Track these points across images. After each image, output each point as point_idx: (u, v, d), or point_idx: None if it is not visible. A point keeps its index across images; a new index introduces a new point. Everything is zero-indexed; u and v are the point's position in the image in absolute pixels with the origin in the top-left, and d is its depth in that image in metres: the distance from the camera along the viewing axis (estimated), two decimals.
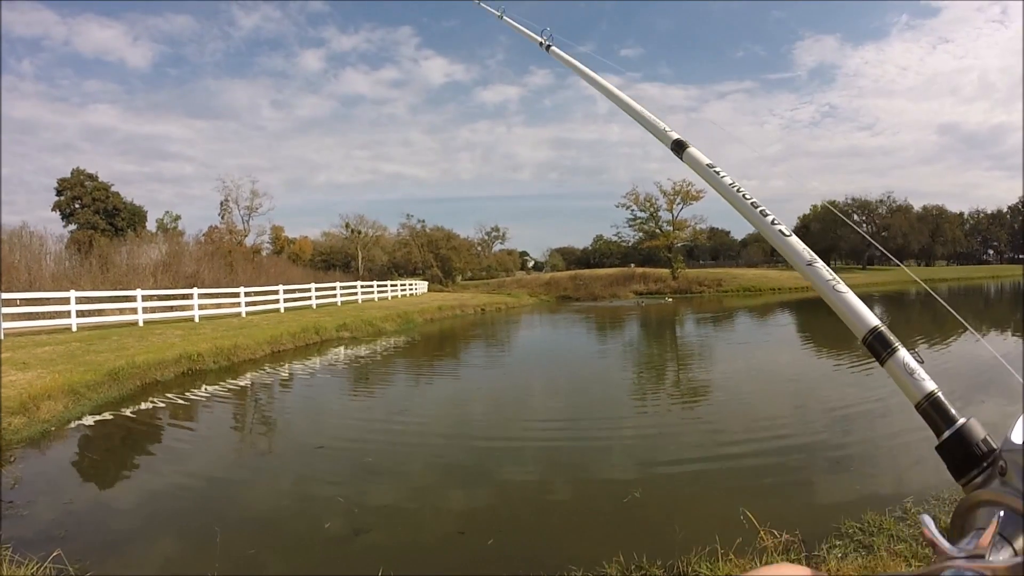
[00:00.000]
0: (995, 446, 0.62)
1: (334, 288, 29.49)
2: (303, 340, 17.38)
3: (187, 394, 10.53)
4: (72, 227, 39.94)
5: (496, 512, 5.22)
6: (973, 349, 11.91)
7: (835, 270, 0.88)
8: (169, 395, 10.39)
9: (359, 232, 62.97)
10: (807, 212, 73.93)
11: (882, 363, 0.77)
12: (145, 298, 18.97)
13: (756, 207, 1.00)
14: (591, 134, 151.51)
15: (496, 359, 16.44)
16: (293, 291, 25.84)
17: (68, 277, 22.90)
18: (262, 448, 7.81)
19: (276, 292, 24.41)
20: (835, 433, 7.16)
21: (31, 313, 16.04)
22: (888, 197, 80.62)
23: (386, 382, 12.52)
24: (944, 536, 0.53)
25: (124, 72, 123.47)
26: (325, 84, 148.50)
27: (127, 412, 9.15)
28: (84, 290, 19.21)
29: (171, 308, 20.47)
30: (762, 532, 3.97)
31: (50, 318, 16.18)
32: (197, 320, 19.45)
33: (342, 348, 17.30)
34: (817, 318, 20.38)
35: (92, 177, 41.88)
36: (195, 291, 20.24)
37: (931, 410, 0.69)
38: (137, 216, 43.37)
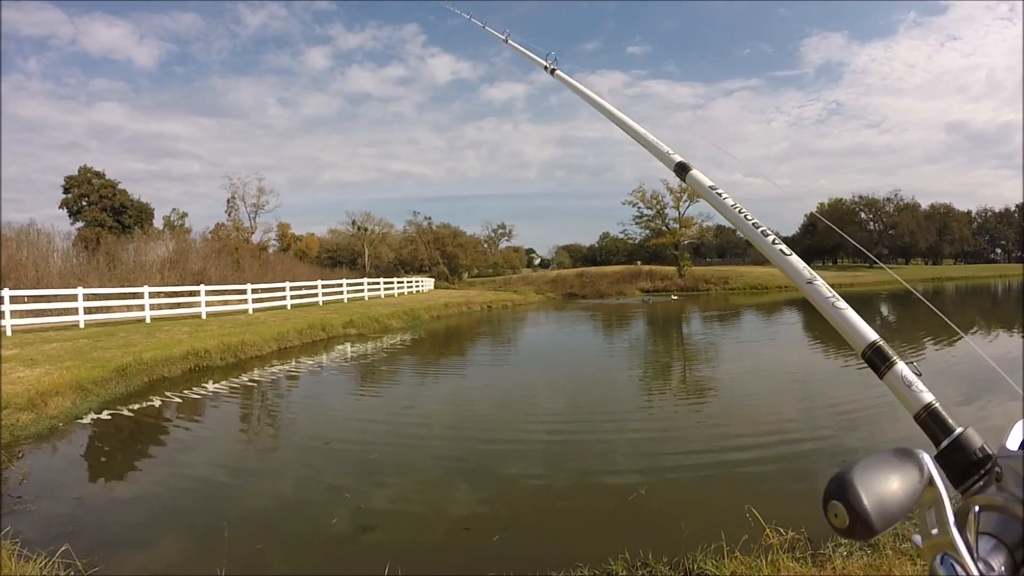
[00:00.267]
0: (991, 453, 0.63)
1: (340, 285, 29.54)
2: (310, 337, 17.43)
3: (194, 390, 10.59)
4: (79, 224, 40.19)
5: (502, 509, 5.23)
6: (981, 347, 11.82)
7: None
8: (176, 391, 10.45)
9: (365, 229, 63.10)
10: (813, 211, 73.64)
11: (881, 376, 0.77)
12: (152, 295, 19.10)
13: (757, 227, 1.01)
14: (596, 132, 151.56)
15: (502, 356, 16.45)
16: (300, 288, 25.89)
17: (75, 274, 23.01)
18: (268, 444, 7.86)
19: (283, 289, 24.48)
20: (842, 433, 7.13)
21: (39, 310, 16.15)
22: (895, 195, 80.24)
23: (392, 379, 12.54)
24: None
25: (131, 71, 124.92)
26: (331, 82, 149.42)
27: (135, 408, 9.20)
28: (91, 287, 19.35)
29: (178, 305, 20.59)
30: (768, 530, 3.96)
31: (58, 315, 16.32)
32: (204, 317, 19.57)
33: (348, 345, 17.33)
34: (823, 318, 20.21)
35: (99, 175, 42.03)
36: (202, 288, 20.36)
37: (929, 421, 0.69)
38: (144, 213, 43.57)
